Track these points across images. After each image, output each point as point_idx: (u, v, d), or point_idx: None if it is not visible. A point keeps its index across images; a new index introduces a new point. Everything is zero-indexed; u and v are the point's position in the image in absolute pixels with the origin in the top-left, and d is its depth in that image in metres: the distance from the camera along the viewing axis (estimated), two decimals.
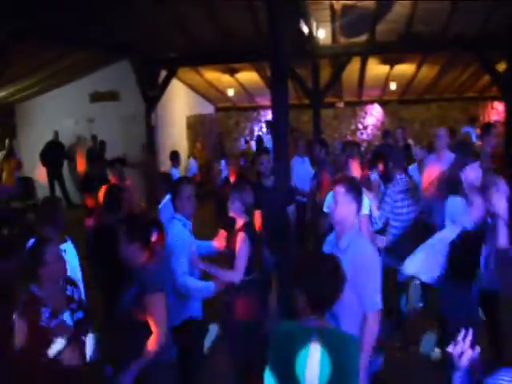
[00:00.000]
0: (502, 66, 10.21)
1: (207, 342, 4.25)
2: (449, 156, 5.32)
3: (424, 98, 14.68)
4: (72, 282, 2.78)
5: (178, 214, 3.50)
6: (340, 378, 2.03)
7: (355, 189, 2.83)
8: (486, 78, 11.84)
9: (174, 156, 8.87)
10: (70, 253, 3.33)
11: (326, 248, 2.97)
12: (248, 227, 3.62)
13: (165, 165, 11.91)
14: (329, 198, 4.49)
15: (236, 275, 3.43)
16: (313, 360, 2.01)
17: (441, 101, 14.26)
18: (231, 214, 3.69)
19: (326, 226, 4.52)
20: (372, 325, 2.65)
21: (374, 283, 2.70)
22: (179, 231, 3.41)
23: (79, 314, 2.67)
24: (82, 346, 2.68)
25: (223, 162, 8.65)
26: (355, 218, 2.85)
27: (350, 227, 2.80)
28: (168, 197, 4.57)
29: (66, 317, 2.58)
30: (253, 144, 13.59)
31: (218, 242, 3.87)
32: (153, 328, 2.62)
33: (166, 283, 3.29)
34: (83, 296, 2.89)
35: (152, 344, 2.60)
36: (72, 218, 9.79)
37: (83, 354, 2.70)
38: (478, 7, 8.45)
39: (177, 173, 8.32)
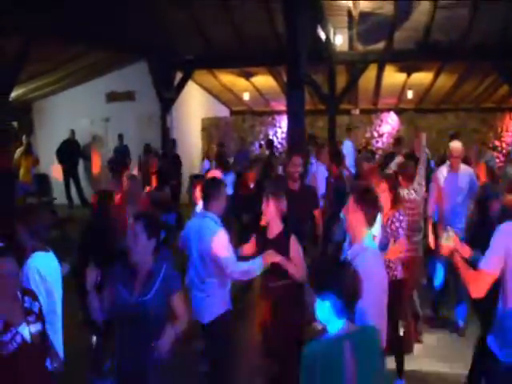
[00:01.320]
0: None
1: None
2: (466, 170, 5.28)
3: (441, 108, 14.55)
4: (31, 294, 2.71)
5: (209, 212, 3.59)
6: (373, 374, 2.05)
7: (368, 199, 2.72)
8: (505, 89, 11.71)
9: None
10: (49, 263, 3.27)
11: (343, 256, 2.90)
12: (286, 234, 3.66)
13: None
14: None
15: (300, 272, 3.53)
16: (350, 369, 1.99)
17: (458, 111, 14.12)
18: (266, 221, 3.69)
19: (340, 233, 4.49)
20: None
21: (368, 301, 2.41)
22: (214, 226, 3.53)
23: (38, 326, 2.60)
24: (42, 356, 2.65)
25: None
26: (365, 230, 2.69)
27: (359, 238, 2.69)
28: None
29: (22, 329, 2.50)
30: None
31: (248, 249, 3.90)
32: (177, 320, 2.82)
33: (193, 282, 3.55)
34: (43, 307, 2.74)
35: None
36: (85, 216, 9.89)
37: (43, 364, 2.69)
38: (498, 17, 8.38)
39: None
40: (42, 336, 2.64)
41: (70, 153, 12.00)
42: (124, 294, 2.79)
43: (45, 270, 3.04)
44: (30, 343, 2.50)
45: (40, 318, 2.64)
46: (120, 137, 11.69)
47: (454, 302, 5.28)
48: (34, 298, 2.69)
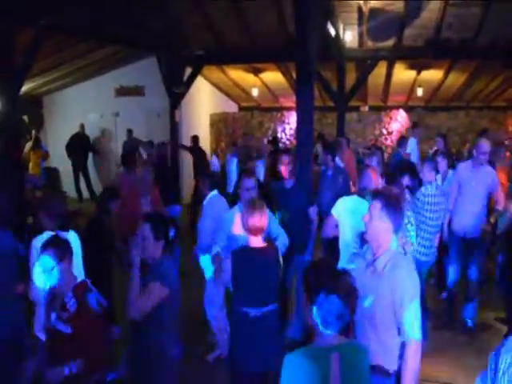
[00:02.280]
0: None
1: None
2: (488, 169, 5.21)
3: (451, 106, 14.46)
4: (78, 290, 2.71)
5: (240, 203, 3.85)
6: None
7: (395, 205, 2.56)
8: None
9: None
10: (72, 242, 3.38)
11: (351, 262, 2.78)
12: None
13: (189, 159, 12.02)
14: (340, 202, 4.42)
15: None
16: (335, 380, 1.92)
17: (468, 109, 14.03)
18: None
19: (328, 230, 4.43)
20: (413, 358, 2.41)
21: (414, 310, 2.44)
22: None
23: (65, 328, 2.60)
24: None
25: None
26: (391, 237, 2.58)
27: (385, 246, 2.55)
28: (213, 193, 4.65)
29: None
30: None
31: None
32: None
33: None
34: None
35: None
36: (95, 209, 9.95)
37: None
38: (509, 15, 8.30)
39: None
40: (61, 339, 2.61)
41: (80, 147, 12.08)
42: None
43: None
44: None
45: (71, 321, 2.61)
46: (129, 132, 11.74)
47: (464, 302, 5.28)
48: (76, 295, 2.67)
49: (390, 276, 2.48)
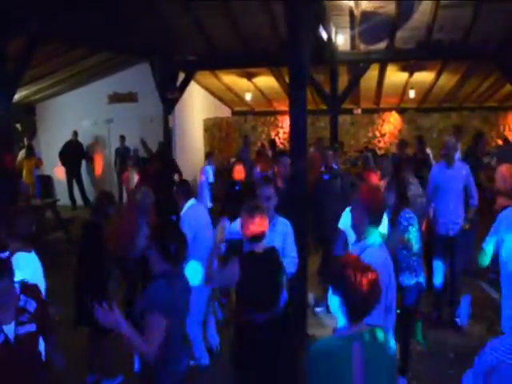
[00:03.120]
0: None
1: None
2: (460, 165, 5.34)
3: (443, 107, 14.54)
4: (29, 292, 2.61)
5: None
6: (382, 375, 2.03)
7: (372, 199, 2.81)
8: (508, 88, 11.70)
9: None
10: (31, 263, 3.23)
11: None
12: None
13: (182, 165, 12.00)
14: (345, 214, 4.47)
15: None
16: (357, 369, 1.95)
17: (460, 110, 14.11)
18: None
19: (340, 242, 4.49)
20: None
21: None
22: None
23: (30, 327, 2.51)
24: (26, 359, 2.52)
25: None
26: (370, 228, 2.77)
27: (363, 236, 2.78)
28: (191, 202, 4.57)
29: (9, 329, 2.40)
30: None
31: None
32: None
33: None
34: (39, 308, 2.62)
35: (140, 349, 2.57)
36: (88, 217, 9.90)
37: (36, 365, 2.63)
38: (500, 16, 8.37)
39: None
40: (32, 338, 2.54)
41: (73, 154, 12.05)
42: None
43: (24, 270, 2.98)
44: (12, 345, 2.39)
45: (34, 318, 2.55)
46: (122, 138, 11.72)
47: (456, 301, 5.30)
48: (32, 295, 2.62)
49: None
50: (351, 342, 1.99)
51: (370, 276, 2.03)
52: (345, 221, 4.42)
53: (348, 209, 4.44)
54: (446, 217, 5.25)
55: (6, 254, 2.71)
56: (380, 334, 2.10)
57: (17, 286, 2.55)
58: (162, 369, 2.68)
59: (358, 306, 2.01)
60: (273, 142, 12.12)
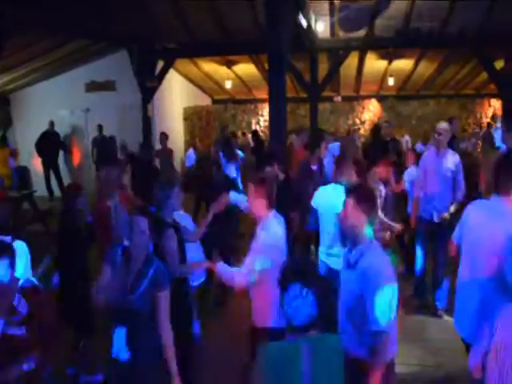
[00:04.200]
0: (499, 64, 10.23)
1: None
2: (450, 153, 5.32)
3: (422, 94, 14.68)
4: (24, 292, 2.55)
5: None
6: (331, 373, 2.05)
7: (368, 199, 2.70)
8: (484, 76, 11.85)
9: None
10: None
11: (331, 248, 2.91)
12: None
13: None
14: (318, 193, 4.49)
15: None
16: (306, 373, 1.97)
17: (439, 97, 14.27)
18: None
19: (312, 222, 4.52)
20: (378, 346, 2.46)
21: (382, 303, 2.47)
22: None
23: (18, 330, 2.46)
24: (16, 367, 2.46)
25: None
26: (366, 229, 2.66)
27: (361, 239, 2.64)
28: None
29: None
30: (249, 137, 13.57)
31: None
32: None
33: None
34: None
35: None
36: None
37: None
38: (478, 4, 8.45)
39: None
40: (15, 341, 2.46)
41: (50, 144, 11.81)
42: (116, 288, 2.77)
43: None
44: None
45: (25, 322, 2.49)
46: (100, 127, 11.54)
47: (433, 287, 5.38)
48: (26, 297, 2.53)
49: (360, 265, 2.56)
50: (300, 345, 1.99)
51: (319, 278, 2.08)
52: (317, 200, 4.43)
53: (321, 188, 4.51)
54: (432, 202, 5.24)
55: (9, 238, 2.68)
56: (333, 342, 2.11)
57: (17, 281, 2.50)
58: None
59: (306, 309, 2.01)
60: (255, 133, 12.08)
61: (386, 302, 2.48)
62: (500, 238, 2.75)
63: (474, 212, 3.12)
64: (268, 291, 3.05)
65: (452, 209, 5.16)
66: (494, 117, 12.27)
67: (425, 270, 5.46)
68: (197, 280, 4.50)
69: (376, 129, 9.16)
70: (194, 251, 4.19)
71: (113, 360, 2.84)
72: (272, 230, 3.15)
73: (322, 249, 4.42)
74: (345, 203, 2.69)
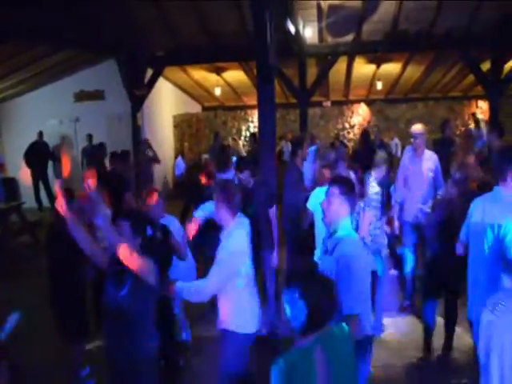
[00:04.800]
0: (486, 66, 10.31)
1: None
2: (429, 154, 5.39)
3: (410, 97, 14.78)
4: None
5: None
6: (346, 372, 2.06)
7: (349, 189, 2.82)
8: (471, 78, 11.95)
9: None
10: None
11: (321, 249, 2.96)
12: None
13: None
14: (314, 195, 4.49)
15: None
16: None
17: (427, 100, 14.37)
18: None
19: (307, 221, 4.53)
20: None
21: (354, 289, 2.59)
22: None
23: None
24: None
25: None
26: (345, 219, 2.80)
27: (341, 228, 2.78)
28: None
29: None
30: (240, 142, 13.58)
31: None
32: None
33: None
34: None
35: None
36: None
37: None
38: (463, 7, 8.53)
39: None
40: None
41: (39, 155, 11.72)
42: (110, 289, 2.84)
43: None
44: None
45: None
46: (89, 137, 11.46)
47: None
48: None
49: (336, 252, 2.67)
50: (312, 348, 1.98)
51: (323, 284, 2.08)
52: (313, 202, 4.42)
53: (317, 190, 4.51)
54: (415, 205, 5.26)
55: None
56: (340, 331, 2.12)
57: None
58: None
59: (326, 315, 2.03)
60: (254, 135, 12.00)
61: (357, 287, 2.60)
62: (501, 221, 3.01)
63: (478, 206, 3.28)
64: (235, 298, 3.12)
65: (430, 203, 5.21)
66: (474, 116, 12.53)
67: (414, 273, 5.47)
68: None
69: (365, 133, 9.20)
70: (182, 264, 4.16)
71: (107, 359, 2.90)
72: (234, 237, 3.11)
73: (317, 252, 4.40)
74: (328, 192, 2.83)
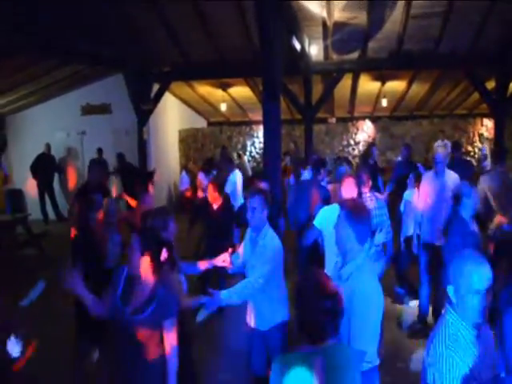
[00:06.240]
0: (491, 84, 10.35)
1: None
2: (448, 173, 5.33)
3: (415, 115, 14.82)
4: None
5: None
6: None
7: (358, 216, 2.64)
8: (476, 95, 12.00)
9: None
10: None
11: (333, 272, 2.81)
12: None
13: (157, 177, 11.88)
14: (321, 212, 4.47)
15: None
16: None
17: (432, 117, 14.40)
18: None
19: (310, 238, 4.52)
20: None
21: (368, 328, 2.49)
22: None
23: None
24: None
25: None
26: (356, 247, 2.63)
27: (351, 256, 2.62)
28: None
29: None
30: (245, 158, 13.60)
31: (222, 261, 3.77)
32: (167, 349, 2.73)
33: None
34: None
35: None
36: (61, 231, 9.74)
37: None
38: (468, 26, 8.60)
39: None
40: None
41: (45, 167, 11.81)
42: (119, 305, 2.76)
43: None
44: None
45: None
46: (99, 151, 11.49)
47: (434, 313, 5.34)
48: None
49: (351, 284, 2.52)
50: (313, 357, 1.99)
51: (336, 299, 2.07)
52: (320, 219, 4.38)
53: (324, 207, 4.48)
54: (435, 225, 5.16)
55: None
56: (345, 353, 2.11)
57: None
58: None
59: (320, 329, 2.05)
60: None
61: (372, 325, 2.50)
62: None
63: None
64: (278, 289, 3.53)
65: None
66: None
67: (429, 296, 5.41)
68: None
69: (366, 153, 9.28)
70: None
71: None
72: (272, 236, 3.51)
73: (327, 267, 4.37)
74: (338, 218, 2.70)
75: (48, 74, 10.20)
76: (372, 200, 4.78)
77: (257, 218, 3.43)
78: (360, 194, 4.66)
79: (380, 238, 4.25)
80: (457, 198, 4.25)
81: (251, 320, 3.58)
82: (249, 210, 3.44)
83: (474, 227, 4.28)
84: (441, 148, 5.26)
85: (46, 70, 9.92)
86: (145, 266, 2.76)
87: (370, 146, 9.83)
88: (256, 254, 3.45)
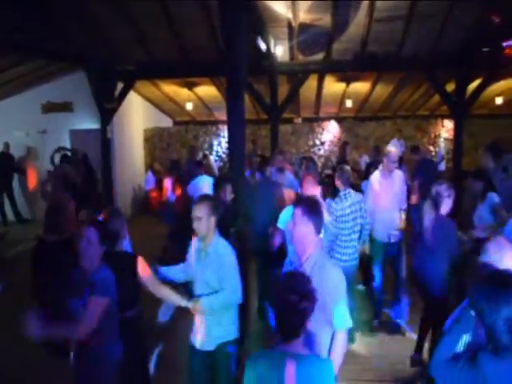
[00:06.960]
0: (451, 86, 10.66)
1: None
2: (397, 173, 5.49)
3: (379, 116, 15.11)
4: None
5: None
6: None
7: (314, 209, 2.77)
8: (437, 98, 12.32)
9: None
10: None
11: (286, 269, 2.89)
12: None
13: (122, 177, 11.69)
14: (284, 214, 4.51)
15: None
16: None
17: (395, 118, 14.72)
18: None
19: (277, 240, 4.54)
20: (341, 345, 2.65)
21: (342, 305, 2.63)
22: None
23: None
24: None
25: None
26: (315, 239, 2.75)
27: (311, 248, 2.72)
28: None
29: None
30: (211, 158, 13.54)
31: None
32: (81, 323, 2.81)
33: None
34: None
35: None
36: (21, 233, 9.47)
37: None
38: (430, 30, 8.83)
39: None
40: None
41: (4, 166, 11.43)
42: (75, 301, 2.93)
43: None
44: None
45: None
46: (6, 145, 11.31)
47: (393, 303, 5.46)
48: None
49: (319, 276, 2.58)
50: (285, 359, 2.03)
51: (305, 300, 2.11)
52: (283, 220, 4.41)
53: (287, 209, 4.50)
54: (384, 223, 5.34)
55: None
56: (321, 364, 2.13)
57: None
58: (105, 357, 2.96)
59: (286, 328, 2.10)
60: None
61: (345, 307, 2.64)
62: None
63: None
64: None
65: (402, 215, 5.34)
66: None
67: (382, 286, 5.54)
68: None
69: (341, 153, 9.36)
70: None
71: None
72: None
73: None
74: (293, 215, 2.79)
75: (7, 71, 9.87)
76: (348, 197, 4.86)
77: (203, 227, 3.26)
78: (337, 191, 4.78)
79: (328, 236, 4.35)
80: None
81: (196, 340, 3.40)
82: (194, 220, 3.26)
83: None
84: (394, 147, 5.46)
85: (6, 67, 9.60)
86: (97, 256, 2.98)
87: (344, 144, 9.94)
88: (208, 265, 3.28)
